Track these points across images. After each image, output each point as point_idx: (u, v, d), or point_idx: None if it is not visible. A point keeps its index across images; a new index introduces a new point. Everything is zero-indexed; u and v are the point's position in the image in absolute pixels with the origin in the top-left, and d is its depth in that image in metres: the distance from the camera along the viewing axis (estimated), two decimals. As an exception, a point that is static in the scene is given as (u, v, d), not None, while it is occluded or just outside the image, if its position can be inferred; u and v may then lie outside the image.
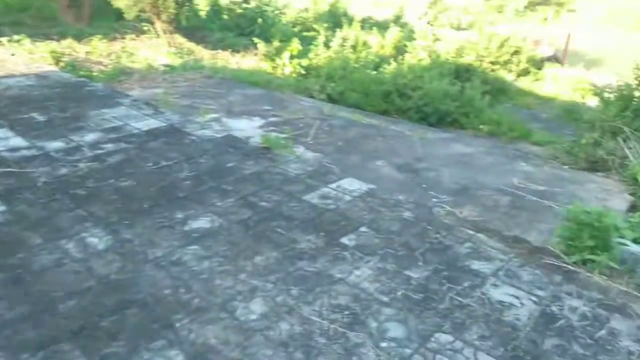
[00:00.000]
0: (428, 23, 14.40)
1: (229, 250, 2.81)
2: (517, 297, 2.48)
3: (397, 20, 18.82)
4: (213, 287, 2.50)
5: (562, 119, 6.95)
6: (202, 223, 3.08)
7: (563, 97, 14.00)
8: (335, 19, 17.86)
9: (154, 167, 3.91)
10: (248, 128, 5.08)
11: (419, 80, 10.75)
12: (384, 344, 2.15)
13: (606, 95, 7.88)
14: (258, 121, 5.39)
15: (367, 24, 17.84)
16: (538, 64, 16.05)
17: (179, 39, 10.58)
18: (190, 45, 10.44)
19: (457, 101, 11.09)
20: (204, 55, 9.84)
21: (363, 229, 3.10)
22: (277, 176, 3.85)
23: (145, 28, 10.19)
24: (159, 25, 10.08)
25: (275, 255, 2.77)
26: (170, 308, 2.35)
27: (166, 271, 2.61)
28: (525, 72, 15.15)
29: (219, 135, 4.72)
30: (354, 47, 14.03)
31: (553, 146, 8.95)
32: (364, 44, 14.14)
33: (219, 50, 10.54)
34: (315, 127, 5.29)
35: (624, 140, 5.84)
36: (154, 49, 9.25)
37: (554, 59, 18.28)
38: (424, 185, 4.00)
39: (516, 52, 14.88)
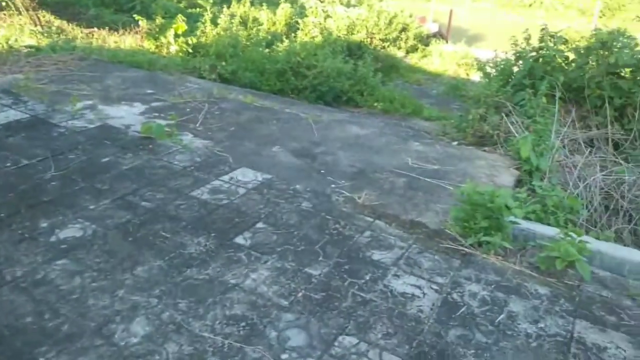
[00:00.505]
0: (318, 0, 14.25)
1: (104, 262, 2.45)
2: (418, 287, 2.42)
3: (286, -4, 18.51)
4: (86, 308, 2.15)
5: (449, 95, 7.16)
6: (72, 231, 2.68)
7: (449, 73, 14.68)
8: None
9: (13, 167, 3.36)
10: (127, 116, 4.59)
11: (313, 59, 10.61)
12: (284, 356, 1.97)
13: (487, 70, 8.28)
14: (139, 107, 4.90)
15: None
16: (425, 40, 16.64)
17: (47, 16, 9.45)
18: (61, 23, 9.37)
19: (351, 79, 11.15)
20: (77, 34, 8.87)
21: (259, 225, 2.88)
22: (161, 170, 3.48)
23: (3, 3, 8.94)
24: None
25: (159, 264, 2.46)
26: (33, 340, 1.98)
27: (28, 294, 2.21)
28: (413, 49, 15.64)
29: (92, 126, 4.20)
30: (244, 24, 13.54)
31: (442, 122, 9.30)
32: (255, 20, 13.70)
33: (95, 29, 9.57)
34: (205, 112, 4.93)
35: (507, 115, 6.16)
36: (15, 28, 8.15)
37: (439, 35, 19.07)
38: (322, 171, 3.85)
39: (404, 30, 15.27)
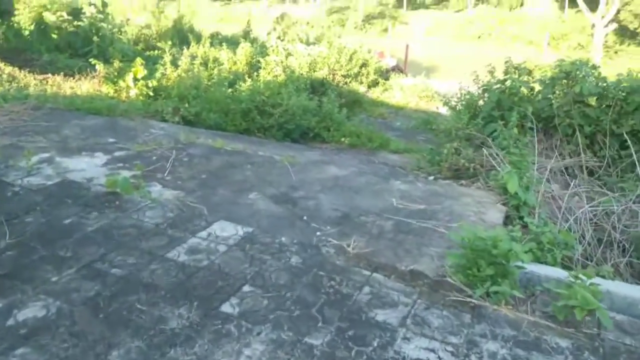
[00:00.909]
0: (278, 38, 14.27)
1: (73, 346, 2.11)
2: (432, 351, 2.18)
3: (245, 35, 18.54)
4: (52, 409, 1.81)
5: (420, 129, 7.13)
6: (33, 311, 2.32)
7: (411, 105, 14.87)
8: (181, 36, 17.00)
9: (-41, 236, 2.97)
10: (89, 168, 4.25)
11: (278, 97, 10.51)
12: None
13: (453, 104, 8.34)
14: (101, 158, 4.57)
15: (215, 39, 17.28)
16: (384, 74, 16.89)
17: (-4, 62, 9.02)
18: (12, 70, 8.93)
19: (317, 116, 11.08)
20: (30, 81, 8.45)
21: (246, 288, 2.59)
22: (131, 230, 3.16)
23: (-52, 51, 8.48)
24: (-34, 47, 8.45)
25: (138, 344, 2.14)
26: None
27: (-21, 396, 1.85)
28: (374, 84, 15.82)
29: (51, 182, 3.84)
30: (204, 64, 13.39)
31: (412, 155, 9.25)
32: (215, 60, 13.57)
33: (49, 75, 9.17)
34: (172, 159, 4.64)
35: (479, 147, 6.12)
36: (-39, 76, 7.69)
37: (397, 69, 19.46)
38: (305, 218, 3.61)
39: (364, 65, 15.45)
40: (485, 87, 6.52)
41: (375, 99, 14.91)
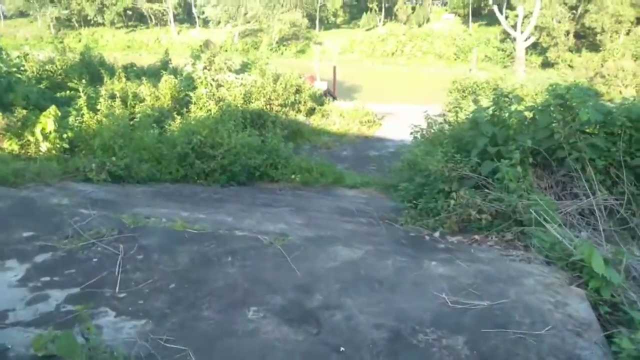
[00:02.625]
0: (205, 68, 12.99)
1: None
2: None
3: (164, 66, 17.00)
4: None
5: (406, 173, 6.25)
6: None
7: (353, 132, 14.13)
8: (91, 70, 15.15)
9: None
10: (-1, 292, 2.87)
11: (217, 136, 9.28)
12: None
13: (422, 134, 7.59)
14: (16, 269, 3.17)
15: (131, 72, 15.62)
16: (319, 100, 16.09)
17: None
18: None
19: (261, 153, 9.97)
20: None
21: None
22: None
23: None
24: None
25: None
26: None
27: None
28: (312, 111, 14.94)
29: None
30: (123, 101, 11.84)
31: (374, 190, 8.36)
32: (135, 96, 12.04)
33: None
34: (121, 259, 3.33)
35: (475, 190, 5.31)
36: None
37: (329, 93, 18.74)
38: (342, 350, 2.50)
39: (298, 91, 14.54)
40: (474, 119, 5.73)
41: (316, 128, 14.02)
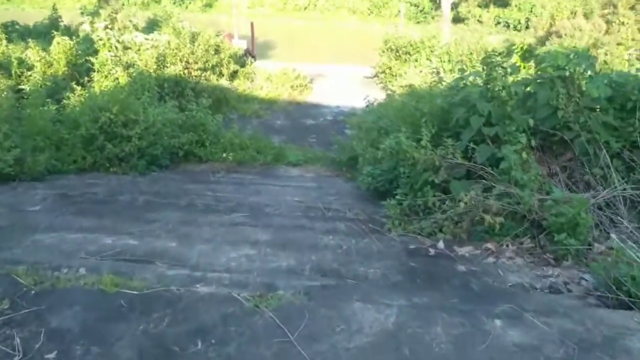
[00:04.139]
0: (107, 27, 10.92)
1: None
2: None
3: (54, 24, 14.41)
4: None
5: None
6: None
7: (284, 97, 12.82)
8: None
9: None
10: None
11: (129, 111, 7.66)
12: None
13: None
14: None
15: (13, 32, 13.02)
16: (240, 61, 14.48)
17: None
18: None
19: (186, 129, 8.50)
20: None
21: None
22: None
23: None
24: None
25: None
26: None
27: None
28: (234, 74, 13.37)
29: None
30: (6, 69, 9.68)
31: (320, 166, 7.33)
32: (21, 63, 9.86)
33: None
34: None
35: (469, 180, 4.41)
36: None
37: (248, 53, 17.07)
38: None
39: (217, 51, 12.86)
40: (464, 94, 4.74)
41: (242, 93, 12.54)
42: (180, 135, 8.16)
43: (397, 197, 4.71)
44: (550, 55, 4.78)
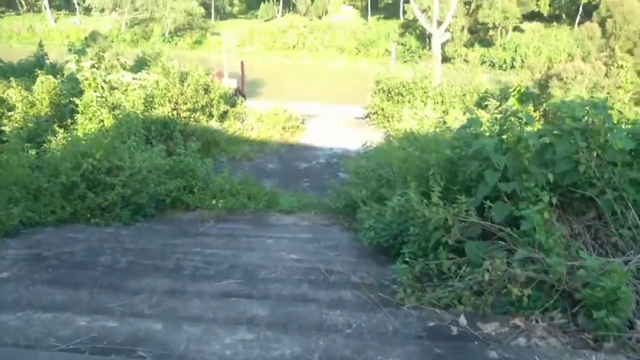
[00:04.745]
0: (93, 66, 10.60)
1: None
2: None
3: (39, 62, 14.10)
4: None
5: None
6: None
7: (276, 139, 12.50)
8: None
9: None
10: None
11: (114, 157, 7.25)
12: None
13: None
14: None
15: (-6, 70, 12.67)
16: (231, 101, 14.22)
17: None
18: None
19: (173, 175, 8.08)
20: None
21: None
22: None
23: None
24: None
25: None
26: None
27: None
28: (224, 115, 13.06)
29: None
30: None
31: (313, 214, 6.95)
32: (1, 103, 9.46)
33: None
34: None
35: (484, 241, 4.03)
36: None
37: (238, 92, 16.86)
38: None
39: (206, 91, 12.58)
40: (477, 147, 4.39)
41: (232, 135, 12.20)
42: (168, 182, 7.75)
43: (405, 258, 4.30)
44: (567, 105, 4.48)
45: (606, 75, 9.24)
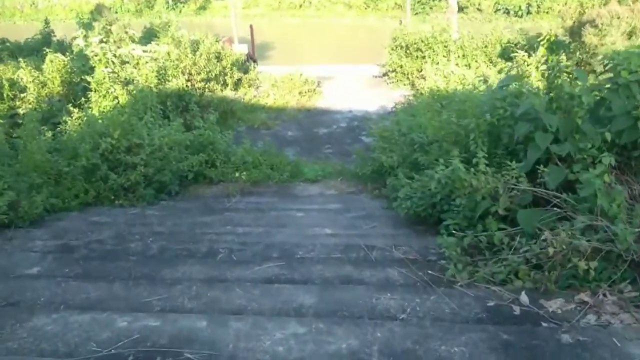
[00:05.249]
0: (102, 41, 10.25)
1: None
2: None
3: (46, 40, 13.76)
4: None
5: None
6: None
7: (292, 104, 12.13)
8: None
9: None
10: None
11: (133, 135, 7.03)
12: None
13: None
14: None
15: (3, 50, 12.39)
16: (243, 67, 13.80)
17: None
18: None
19: (194, 150, 7.87)
20: None
21: None
22: None
23: None
24: None
25: None
26: None
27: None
28: (238, 82, 12.69)
29: None
30: (-3, 93, 9.07)
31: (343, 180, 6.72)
32: (13, 85, 9.22)
33: None
34: None
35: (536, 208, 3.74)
36: None
37: (249, 57, 16.36)
38: None
39: (218, 59, 12.19)
40: (525, 107, 4.04)
41: (248, 103, 11.86)
42: (189, 157, 7.55)
43: (449, 228, 4.07)
44: (622, 56, 4.09)
45: (645, 18, 8.67)
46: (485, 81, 4.88)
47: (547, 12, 37.77)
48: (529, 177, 3.98)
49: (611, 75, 4.13)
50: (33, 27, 18.23)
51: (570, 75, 4.04)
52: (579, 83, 4.09)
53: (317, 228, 5.18)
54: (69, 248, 4.39)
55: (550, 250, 3.13)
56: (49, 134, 7.23)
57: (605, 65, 4.24)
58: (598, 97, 4.09)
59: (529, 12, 38.05)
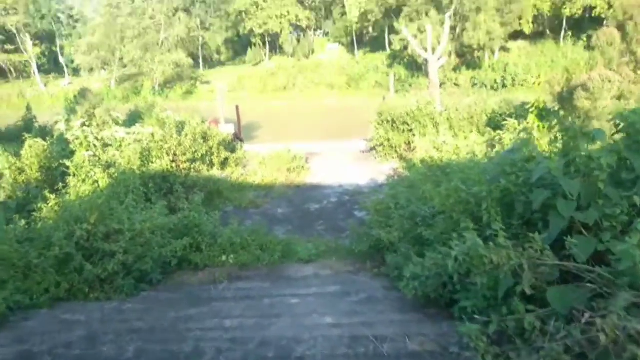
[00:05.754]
0: (84, 125, 10.01)
1: None
2: None
3: (27, 126, 13.56)
4: None
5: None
6: None
7: (281, 181, 11.82)
8: None
9: None
10: None
11: (112, 220, 6.54)
12: None
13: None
14: None
15: (-19, 138, 12.09)
16: (230, 147, 13.63)
17: None
18: None
19: (178, 234, 7.35)
20: None
21: None
22: None
23: None
24: None
25: None
26: None
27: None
28: (225, 162, 12.42)
29: None
30: (-32, 182, 8.57)
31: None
32: (-13, 172, 8.79)
33: None
34: None
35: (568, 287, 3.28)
36: None
37: (236, 136, 16.30)
38: None
39: (205, 139, 11.98)
40: (540, 172, 3.69)
41: (236, 182, 11.51)
42: (172, 242, 7.01)
43: (468, 311, 3.57)
44: (637, 114, 3.83)
45: (633, 82, 8.74)
46: (494, 146, 4.60)
47: (522, 85, 39.32)
48: (552, 249, 3.55)
49: (624, 135, 3.85)
50: (19, 116, 18.13)
51: (588, 136, 3.73)
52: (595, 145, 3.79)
53: (315, 316, 4.62)
54: (31, 356, 3.76)
55: (602, 338, 2.64)
56: (22, 222, 6.71)
57: (617, 125, 3.97)
58: (619, 160, 3.78)
59: (504, 86, 39.58)
